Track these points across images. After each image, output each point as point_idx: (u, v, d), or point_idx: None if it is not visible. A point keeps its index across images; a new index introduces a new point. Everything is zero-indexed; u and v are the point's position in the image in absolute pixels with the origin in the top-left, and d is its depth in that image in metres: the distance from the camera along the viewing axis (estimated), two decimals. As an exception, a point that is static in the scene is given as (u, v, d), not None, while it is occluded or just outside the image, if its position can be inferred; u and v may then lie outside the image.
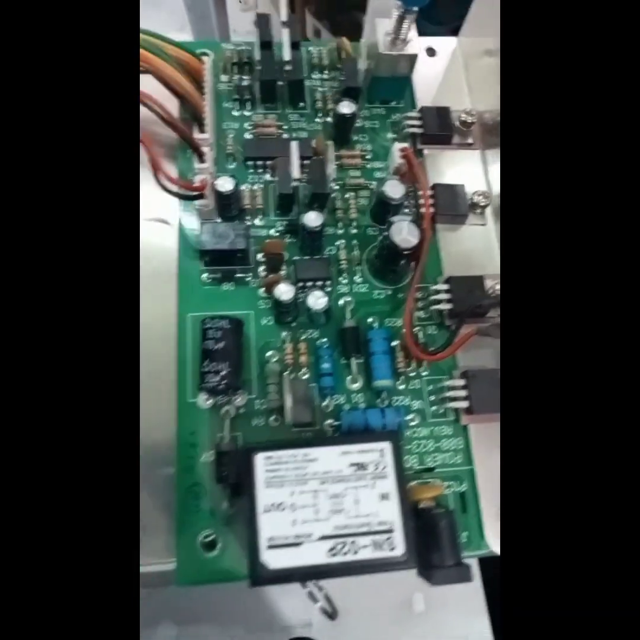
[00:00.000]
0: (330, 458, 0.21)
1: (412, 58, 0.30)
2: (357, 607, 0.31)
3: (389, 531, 0.20)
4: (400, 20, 0.28)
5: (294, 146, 0.27)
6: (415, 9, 0.27)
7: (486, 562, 0.36)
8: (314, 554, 0.20)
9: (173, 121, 0.26)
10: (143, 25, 0.24)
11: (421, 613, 0.32)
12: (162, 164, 0.25)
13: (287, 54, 0.29)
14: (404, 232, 0.26)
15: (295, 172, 0.26)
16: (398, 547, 0.20)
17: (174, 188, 0.26)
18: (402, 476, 0.21)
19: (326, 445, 0.21)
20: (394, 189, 0.28)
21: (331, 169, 0.28)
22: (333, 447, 0.21)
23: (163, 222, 0.29)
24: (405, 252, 0.26)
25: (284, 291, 0.25)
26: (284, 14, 0.29)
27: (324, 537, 0.20)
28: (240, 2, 1.08)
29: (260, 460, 0.21)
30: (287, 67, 0.29)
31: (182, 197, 0.27)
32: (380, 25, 0.30)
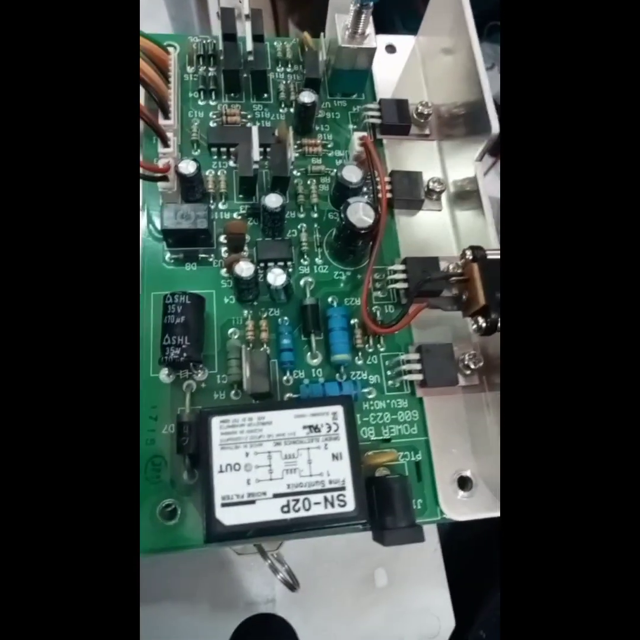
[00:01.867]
0: (285, 421, 0.22)
1: (371, 51, 0.32)
2: (320, 583, 0.32)
3: (341, 489, 0.21)
4: (358, 14, 0.30)
5: (255, 131, 0.28)
6: (371, 3, 0.29)
7: (446, 536, 0.37)
8: (268, 511, 0.20)
9: (142, 111, 0.27)
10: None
11: (383, 587, 0.33)
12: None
13: (249, 46, 0.30)
14: (360, 212, 0.27)
15: (256, 155, 0.27)
16: (349, 503, 0.21)
17: (140, 170, 0.27)
18: (354, 437, 0.22)
19: (280, 409, 0.22)
20: (352, 174, 0.29)
21: (291, 153, 0.29)
22: (287, 410, 0.22)
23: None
24: (362, 232, 0.27)
25: (244, 268, 0.26)
26: (246, 7, 0.31)
27: (278, 495, 0.21)
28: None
29: (216, 423, 0.22)
30: (250, 58, 0.31)
31: (146, 178, 0.28)
32: (340, 20, 0.31)
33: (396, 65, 0.36)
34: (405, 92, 0.35)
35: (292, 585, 0.27)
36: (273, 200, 0.27)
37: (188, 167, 0.28)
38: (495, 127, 0.27)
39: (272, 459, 0.21)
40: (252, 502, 0.21)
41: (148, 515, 0.24)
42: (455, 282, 0.26)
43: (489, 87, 0.28)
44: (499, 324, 0.23)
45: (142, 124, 0.29)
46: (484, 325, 0.24)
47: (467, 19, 0.30)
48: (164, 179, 0.28)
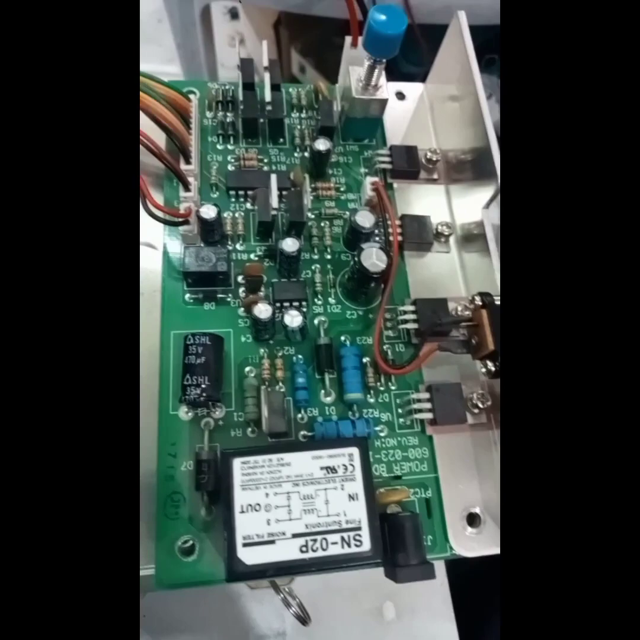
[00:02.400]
0: (303, 462, 0.23)
1: (383, 102, 0.33)
2: (329, 616, 0.32)
3: (357, 529, 0.22)
4: (371, 69, 0.31)
5: (274, 178, 0.29)
6: (384, 60, 0.30)
7: (453, 570, 0.37)
8: (287, 551, 0.21)
9: (161, 153, 0.29)
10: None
11: (392, 621, 0.33)
12: (150, 192, 0.28)
13: (268, 96, 0.32)
14: (373, 257, 0.28)
15: (274, 202, 0.29)
16: (365, 543, 0.22)
17: (161, 214, 0.28)
18: (369, 478, 0.23)
19: (299, 451, 0.23)
20: (365, 219, 0.30)
21: (307, 199, 0.30)
22: (305, 452, 0.23)
23: (150, 246, 0.31)
24: (374, 276, 0.28)
25: (263, 310, 0.27)
26: (265, 59, 0.32)
27: (296, 535, 0.22)
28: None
29: (237, 465, 0.22)
30: (268, 108, 0.32)
31: (168, 223, 0.29)
32: (354, 71, 0.33)
33: (406, 111, 0.38)
34: (415, 137, 0.36)
35: (303, 619, 0.27)
36: (289, 245, 0.29)
37: (209, 212, 0.29)
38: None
39: (291, 500, 0.22)
40: (272, 542, 0.21)
41: (167, 551, 0.25)
42: (464, 325, 0.27)
43: (495, 135, 0.30)
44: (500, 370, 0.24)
45: (164, 169, 0.30)
46: (492, 369, 0.25)
47: (473, 69, 0.32)
48: (186, 222, 0.29)
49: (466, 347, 0.27)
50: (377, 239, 0.33)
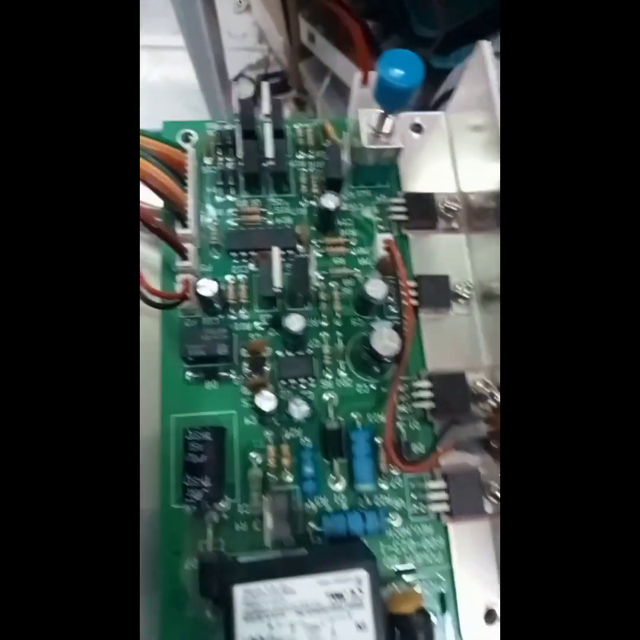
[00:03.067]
0: (308, 588, 0.21)
1: (396, 150, 0.30)
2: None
3: (365, 664, 0.21)
4: (383, 118, 0.28)
5: (276, 252, 0.27)
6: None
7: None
8: (292, 689, 0.20)
9: (157, 227, 0.26)
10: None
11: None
12: (145, 277, 0.25)
13: (269, 151, 0.29)
14: (385, 339, 0.26)
15: (277, 280, 0.26)
16: (374, 679, 0.21)
17: (157, 300, 0.26)
18: (378, 604, 0.22)
19: (304, 575, 0.22)
20: (377, 289, 0.28)
21: (313, 272, 0.28)
22: (311, 577, 0.22)
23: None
24: (387, 360, 0.26)
25: (265, 402, 0.26)
26: (266, 107, 0.29)
27: (302, 671, 0.21)
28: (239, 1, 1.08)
29: (239, 594, 0.21)
30: (271, 163, 0.29)
31: (166, 307, 0.27)
32: (363, 116, 0.29)
33: (422, 145, 0.35)
34: (432, 178, 0.33)
35: None
36: (294, 323, 0.27)
37: (208, 287, 0.27)
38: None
39: (295, 631, 0.21)
40: (277, 678, 0.20)
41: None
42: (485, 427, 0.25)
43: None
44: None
45: (159, 240, 0.28)
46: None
47: (493, 97, 0.28)
48: (184, 299, 0.27)
49: (484, 444, 0.25)
50: (390, 301, 0.30)
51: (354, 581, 0.22)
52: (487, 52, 0.30)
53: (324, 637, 0.21)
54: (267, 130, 0.29)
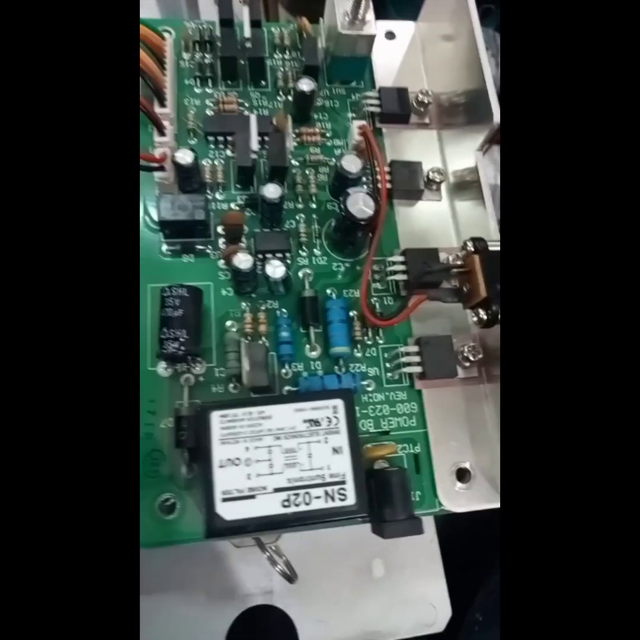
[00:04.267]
0: (285, 415, 0.22)
1: (370, 38, 0.31)
2: (317, 574, 0.32)
3: (341, 482, 0.21)
4: (358, 3, 0.29)
5: (253, 119, 0.27)
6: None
7: (442, 527, 0.37)
8: (268, 506, 0.20)
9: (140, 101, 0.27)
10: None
11: (380, 578, 0.33)
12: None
13: (247, 32, 0.30)
14: (360, 203, 0.27)
15: (254, 145, 0.27)
16: (349, 497, 0.21)
17: (139, 163, 0.26)
18: (355, 431, 0.22)
19: (280, 403, 0.22)
20: (351, 164, 0.28)
21: (290, 143, 0.28)
22: (287, 404, 0.22)
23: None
24: (362, 223, 0.27)
25: (243, 260, 0.26)
26: (243, -8, 0.30)
27: (278, 490, 0.21)
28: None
29: (216, 418, 0.21)
30: (248, 44, 0.30)
31: (143, 168, 0.27)
32: (339, 5, 0.30)
33: (396, 52, 0.36)
34: (405, 80, 0.34)
35: (290, 577, 0.27)
36: (271, 191, 0.27)
37: (185, 157, 0.27)
38: (497, 116, 0.27)
39: (272, 453, 0.21)
40: (253, 496, 0.20)
41: (147, 510, 0.24)
42: (455, 273, 0.25)
43: (491, 74, 0.28)
44: (499, 317, 0.23)
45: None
46: (485, 317, 0.24)
47: (469, 4, 0.30)
48: (161, 168, 0.28)
49: (457, 296, 0.26)
50: (364, 186, 0.31)
51: (331, 409, 0.22)
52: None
53: (300, 459, 0.21)
54: (245, 14, 0.30)
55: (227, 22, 0.31)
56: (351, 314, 0.28)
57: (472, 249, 0.24)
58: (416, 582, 0.33)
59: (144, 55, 0.29)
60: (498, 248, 0.25)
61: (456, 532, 0.35)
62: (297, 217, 0.30)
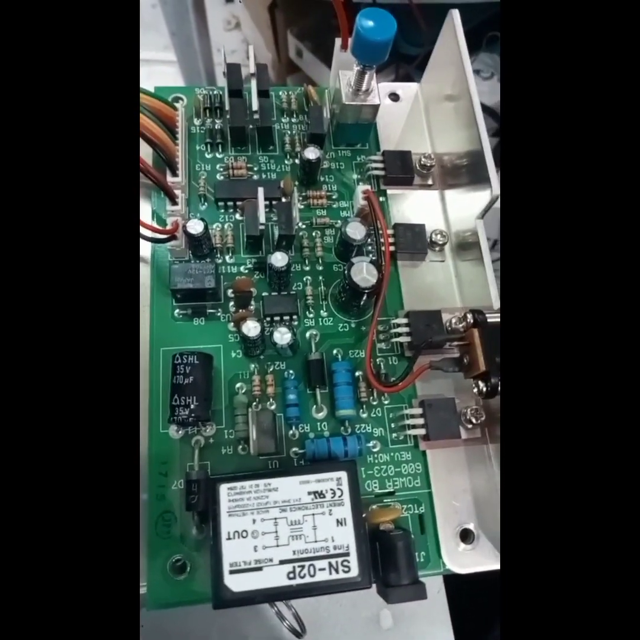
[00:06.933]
0: (290, 487, 0.23)
1: (375, 108, 0.32)
2: (325, 625, 0.33)
3: (345, 554, 0.22)
4: (361, 74, 0.30)
5: (261, 192, 0.29)
6: (374, 66, 0.30)
7: (450, 578, 0.37)
8: (274, 578, 0.21)
9: (147, 168, 0.28)
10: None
11: (389, 628, 0.33)
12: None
13: (255, 104, 0.31)
14: (363, 272, 0.28)
15: (262, 217, 0.28)
16: (353, 568, 0.22)
17: (148, 233, 0.28)
18: (358, 503, 0.23)
19: (286, 476, 0.23)
20: (356, 231, 0.30)
21: (296, 212, 0.29)
22: (293, 477, 0.23)
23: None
24: (365, 291, 0.28)
25: (251, 328, 0.27)
26: (252, 65, 0.32)
27: (284, 562, 0.21)
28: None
29: (224, 491, 0.22)
30: (256, 116, 0.31)
31: (156, 241, 0.29)
32: (344, 76, 0.32)
33: (400, 112, 0.37)
34: (409, 140, 0.36)
35: (298, 632, 0.27)
36: (279, 259, 0.28)
37: (195, 226, 0.28)
38: (495, 188, 0.27)
39: (278, 526, 0.22)
40: (259, 568, 0.21)
41: (159, 570, 0.25)
42: (456, 345, 0.26)
43: (489, 144, 0.29)
44: (499, 389, 0.24)
45: (151, 183, 0.30)
46: (484, 389, 0.24)
47: (466, 71, 0.31)
48: (173, 238, 0.29)
49: (458, 365, 0.26)
50: (369, 248, 0.32)
51: (334, 481, 0.23)
52: (457, 23, 0.33)
53: (305, 531, 0.22)
54: (253, 86, 0.31)
55: (236, 92, 0.32)
56: (357, 374, 0.29)
57: (472, 322, 0.25)
58: (424, 633, 0.34)
59: (156, 128, 0.30)
60: (497, 319, 0.25)
61: (464, 583, 0.36)
62: (304, 279, 0.31)
